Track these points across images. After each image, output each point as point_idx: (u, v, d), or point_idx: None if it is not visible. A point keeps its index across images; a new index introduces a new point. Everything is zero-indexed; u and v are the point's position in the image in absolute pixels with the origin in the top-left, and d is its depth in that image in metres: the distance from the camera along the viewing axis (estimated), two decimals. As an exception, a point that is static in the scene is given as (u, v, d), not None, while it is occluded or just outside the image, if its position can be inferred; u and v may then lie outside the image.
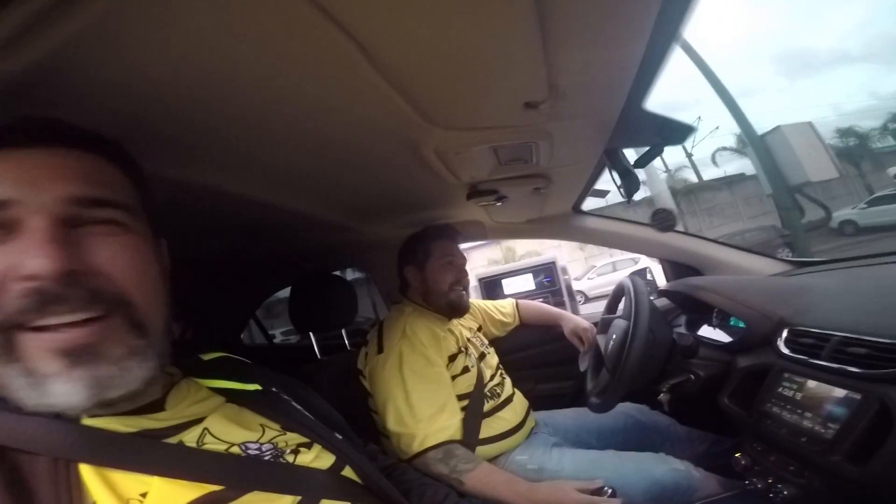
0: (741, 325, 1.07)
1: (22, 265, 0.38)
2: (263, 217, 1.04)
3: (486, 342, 1.42)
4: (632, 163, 1.03)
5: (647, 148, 0.98)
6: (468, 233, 1.69)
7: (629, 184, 1.03)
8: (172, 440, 0.47)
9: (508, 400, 1.25)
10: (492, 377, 1.27)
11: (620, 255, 13.69)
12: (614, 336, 1.10)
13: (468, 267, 1.38)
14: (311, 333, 1.49)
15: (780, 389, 0.85)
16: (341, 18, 0.41)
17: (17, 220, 0.39)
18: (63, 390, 0.39)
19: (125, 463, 0.42)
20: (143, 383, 0.44)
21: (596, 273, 14.46)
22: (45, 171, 0.41)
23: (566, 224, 1.67)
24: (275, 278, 1.98)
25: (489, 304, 1.62)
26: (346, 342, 1.59)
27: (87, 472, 0.41)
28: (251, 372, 0.62)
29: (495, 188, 1.19)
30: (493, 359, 1.36)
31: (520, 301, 1.69)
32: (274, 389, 0.63)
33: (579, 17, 0.47)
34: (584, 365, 1.40)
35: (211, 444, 0.48)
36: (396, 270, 1.37)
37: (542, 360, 1.65)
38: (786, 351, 0.88)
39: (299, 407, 0.63)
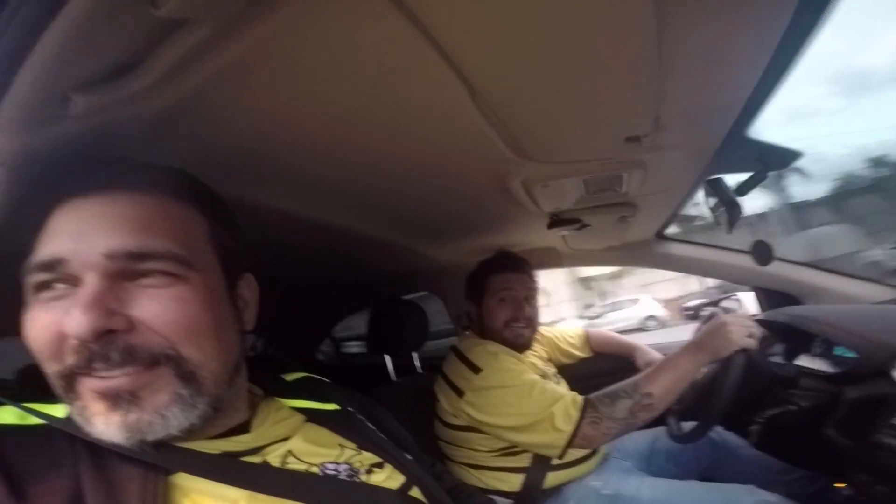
0: (849, 354, 1.02)
1: (65, 324, 0.40)
2: (342, 242, 1.10)
3: (556, 372, 1.38)
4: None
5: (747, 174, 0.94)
6: (541, 260, 1.68)
7: (732, 213, 0.99)
8: (256, 459, 0.50)
9: None
10: None
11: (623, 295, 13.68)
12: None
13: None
14: (386, 356, 1.54)
15: (895, 420, 0.84)
16: (448, 48, 0.42)
17: (77, 276, 0.41)
18: (103, 430, 0.41)
19: (215, 475, 0.44)
20: (187, 430, 0.44)
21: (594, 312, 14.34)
22: (97, 222, 0.42)
23: (648, 251, 1.62)
24: (351, 300, 2.06)
25: (557, 333, 1.58)
26: (418, 365, 1.62)
27: (174, 488, 0.43)
28: (330, 391, 0.66)
29: (578, 217, 1.19)
30: (563, 388, 1.32)
31: (590, 330, 1.64)
32: (350, 409, 0.65)
33: (699, 42, 0.46)
34: None
35: (293, 465, 0.51)
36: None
37: None
38: (904, 382, 0.85)
39: (373, 427, 0.65)
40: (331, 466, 0.53)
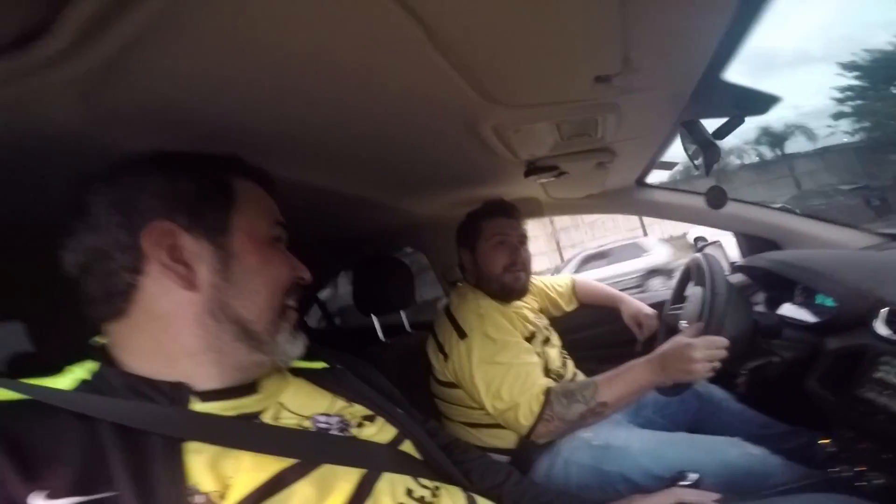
0: (829, 303, 1.01)
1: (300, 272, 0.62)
2: (321, 202, 1.09)
3: (548, 323, 1.40)
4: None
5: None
6: (523, 210, 1.68)
7: (709, 156, 0.99)
8: (256, 418, 0.53)
9: (571, 381, 1.26)
10: (555, 361, 1.27)
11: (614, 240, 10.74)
12: (690, 309, 1.07)
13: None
14: (373, 316, 1.56)
15: (877, 374, 0.81)
16: None
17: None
18: (294, 343, 0.58)
19: (224, 441, 0.48)
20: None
21: (576, 264, 10.00)
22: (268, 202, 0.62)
23: (629, 198, 1.63)
24: (335, 262, 2.07)
25: (546, 282, 1.60)
26: (406, 324, 1.65)
27: (190, 453, 0.46)
28: (317, 351, 0.69)
29: (555, 164, 1.18)
30: (556, 340, 1.36)
31: (577, 280, 1.65)
32: (339, 367, 0.69)
33: None
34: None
35: (286, 419, 0.54)
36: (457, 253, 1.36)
37: (604, 341, 1.63)
38: (885, 333, 0.84)
39: (363, 383, 0.68)
40: (322, 418, 0.56)
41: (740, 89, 0.81)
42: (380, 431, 0.60)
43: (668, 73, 0.67)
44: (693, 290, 1.13)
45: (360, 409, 0.61)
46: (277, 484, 0.47)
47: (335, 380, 0.64)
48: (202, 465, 0.46)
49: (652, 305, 1.49)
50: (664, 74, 0.67)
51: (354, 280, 1.44)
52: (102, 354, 0.51)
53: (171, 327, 0.51)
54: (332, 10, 0.42)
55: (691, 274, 1.26)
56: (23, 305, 0.87)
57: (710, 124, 0.99)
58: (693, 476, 0.78)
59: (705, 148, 1.00)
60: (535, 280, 1.56)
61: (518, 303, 1.32)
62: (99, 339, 0.53)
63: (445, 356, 1.17)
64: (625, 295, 1.57)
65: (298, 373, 0.63)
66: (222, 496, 0.44)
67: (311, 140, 0.75)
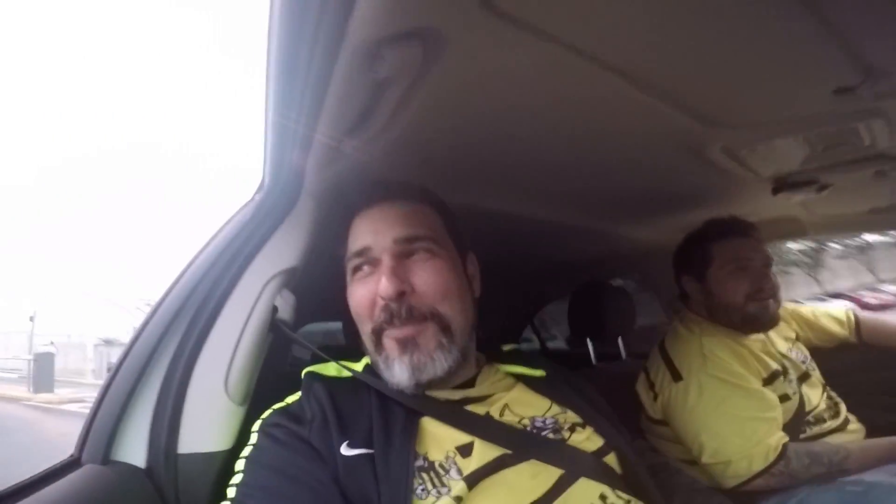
0: None
1: (377, 290, 0.61)
2: (541, 231, 1.21)
3: (808, 356, 1.18)
4: None
5: None
6: (776, 232, 1.47)
7: None
8: (481, 409, 0.64)
9: (840, 428, 1.05)
10: (817, 404, 1.07)
11: None
12: None
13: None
14: (588, 340, 1.59)
15: None
16: (598, 55, 0.50)
17: (377, 259, 0.63)
18: (397, 371, 0.60)
19: (450, 420, 0.60)
20: (447, 372, 0.61)
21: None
22: (384, 221, 0.64)
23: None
24: (553, 288, 2.18)
25: (809, 308, 1.35)
26: (622, 351, 1.62)
27: (424, 426, 0.59)
28: (538, 360, 0.79)
29: (813, 178, 1.04)
30: (818, 378, 1.14)
31: (861, 315, 1.34)
32: (556, 376, 0.77)
33: None
34: None
35: (508, 417, 0.65)
36: (675, 280, 1.23)
37: (892, 387, 1.30)
38: None
39: (575, 393, 0.75)
40: (539, 420, 0.66)
41: None
42: (587, 440, 0.66)
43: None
44: None
45: (572, 416, 0.69)
46: (499, 465, 0.58)
47: (552, 387, 0.73)
48: (434, 439, 0.58)
49: None
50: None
51: (571, 305, 1.51)
52: None
53: None
54: (545, 78, 0.55)
55: None
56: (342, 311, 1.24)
57: None
58: None
59: None
60: (792, 306, 1.34)
61: (764, 333, 1.14)
62: None
63: (655, 395, 1.10)
64: None
65: (521, 378, 0.74)
66: (444, 465, 0.56)
67: (537, 180, 0.89)
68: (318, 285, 0.75)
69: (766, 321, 1.09)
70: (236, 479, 0.54)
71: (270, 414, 0.61)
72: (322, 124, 0.55)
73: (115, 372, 0.66)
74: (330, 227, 0.71)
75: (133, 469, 0.61)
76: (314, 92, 0.49)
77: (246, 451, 0.57)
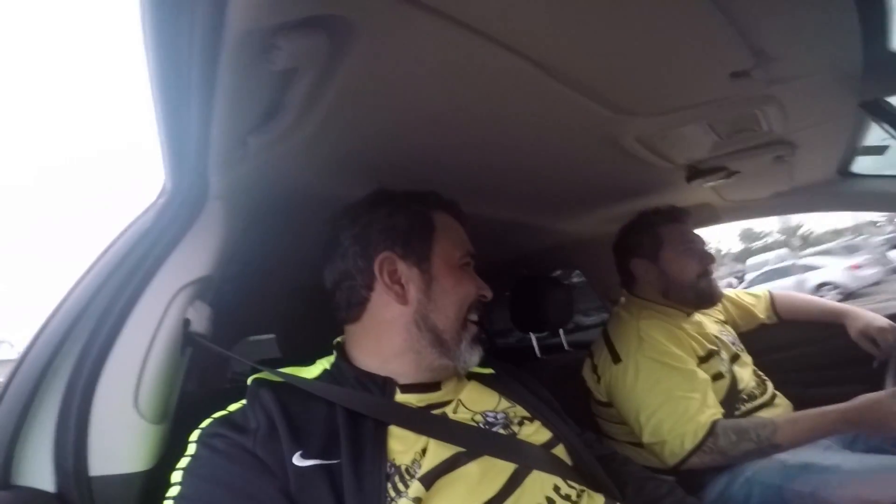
0: None
1: (479, 289, 0.73)
2: (482, 230, 1.21)
3: (734, 339, 1.27)
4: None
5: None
6: (695, 219, 1.56)
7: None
8: (438, 412, 0.66)
9: (768, 403, 1.13)
10: (748, 382, 1.15)
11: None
12: None
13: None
14: (531, 334, 1.62)
15: None
16: (511, 44, 0.51)
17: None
18: (473, 353, 0.70)
19: (418, 428, 0.61)
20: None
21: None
22: (460, 231, 0.76)
23: (831, 192, 1.40)
24: (496, 284, 2.20)
25: (736, 292, 1.46)
26: (564, 342, 1.67)
27: (392, 431, 0.60)
28: (486, 360, 0.80)
29: (722, 164, 1.11)
30: (747, 358, 1.23)
31: (775, 293, 1.46)
32: (503, 373, 0.81)
33: None
34: (891, 378, 1.09)
35: (461, 414, 0.68)
36: (617, 266, 1.31)
37: (810, 363, 1.41)
38: None
39: (524, 388, 0.79)
40: (490, 414, 0.70)
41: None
42: (536, 433, 0.69)
43: (822, 55, 0.61)
44: None
45: (520, 411, 0.72)
46: (453, 464, 0.59)
47: (501, 384, 0.77)
48: (400, 444, 0.59)
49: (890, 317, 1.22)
50: (817, 57, 0.62)
51: (512, 299, 1.53)
52: (340, 350, 0.72)
53: (388, 332, 0.68)
54: (463, 69, 0.54)
55: None
56: (275, 322, 1.19)
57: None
58: None
59: None
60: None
61: (698, 316, 1.24)
62: (339, 339, 0.75)
63: (598, 378, 1.17)
64: (850, 307, 1.32)
65: (472, 376, 0.77)
66: (410, 470, 0.57)
67: (469, 177, 0.89)
68: (245, 297, 0.70)
69: (716, 296, 1.19)
70: (173, 491, 0.51)
71: (210, 423, 0.58)
72: (218, 120, 0.51)
73: (4, 388, 0.60)
74: (249, 234, 0.67)
75: (41, 494, 0.56)
76: (201, 85, 0.46)
77: (183, 463, 0.54)
